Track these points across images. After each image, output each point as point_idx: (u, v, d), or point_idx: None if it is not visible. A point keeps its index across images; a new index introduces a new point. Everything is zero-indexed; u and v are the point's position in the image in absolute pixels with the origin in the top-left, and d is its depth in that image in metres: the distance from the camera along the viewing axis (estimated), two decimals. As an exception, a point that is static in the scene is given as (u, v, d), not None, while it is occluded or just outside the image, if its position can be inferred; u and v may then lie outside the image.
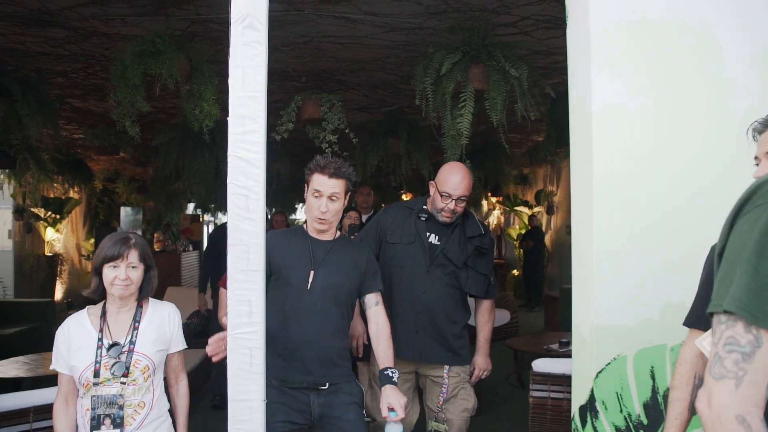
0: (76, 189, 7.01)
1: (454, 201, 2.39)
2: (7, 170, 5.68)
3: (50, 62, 3.82)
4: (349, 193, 2.15)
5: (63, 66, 3.90)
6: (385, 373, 2.06)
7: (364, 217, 4.32)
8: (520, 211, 9.77)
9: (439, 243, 2.47)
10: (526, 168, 9.53)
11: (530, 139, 6.73)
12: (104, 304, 1.92)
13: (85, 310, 1.93)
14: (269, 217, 5.62)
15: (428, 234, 2.48)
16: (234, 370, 1.66)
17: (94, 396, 1.81)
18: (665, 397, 1.83)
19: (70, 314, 1.96)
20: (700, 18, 1.89)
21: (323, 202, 2.06)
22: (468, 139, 3.15)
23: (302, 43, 3.62)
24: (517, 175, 9.58)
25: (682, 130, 1.88)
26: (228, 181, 1.69)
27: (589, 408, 1.86)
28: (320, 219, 2.08)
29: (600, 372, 1.82)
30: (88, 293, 1.91)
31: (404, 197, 12.22)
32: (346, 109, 4.16)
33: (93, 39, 3.49)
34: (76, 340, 1.86)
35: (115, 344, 1.86)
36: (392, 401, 1.96)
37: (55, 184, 6.60)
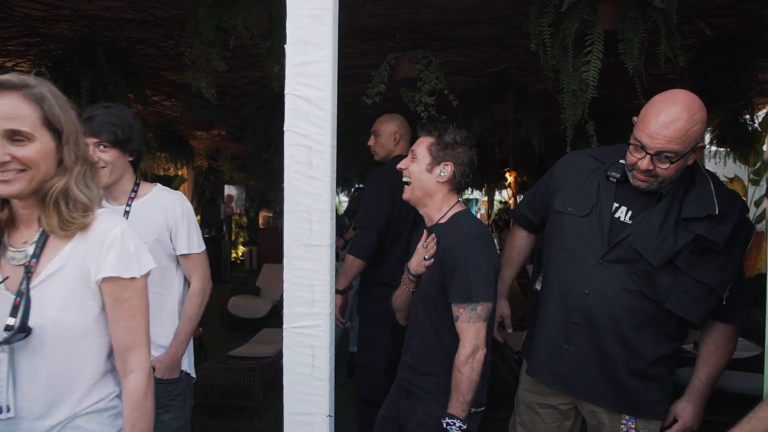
0: (179, 166, 7.13)
1: (649, 156, 1.49)
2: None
3: (137, 29, 3.69)
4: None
5: (150, 32, 3.75)
6: (441, 421, 1.60)
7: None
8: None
9: (630, 221, 1.60)
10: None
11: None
12: None
13: None
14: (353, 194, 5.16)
15: (616, 204, 1.63)
16: (291, 375, 1.29)
17: None
18: None
19: None
20: None
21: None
22: (596, 92, 2.55)
23: (396, -9, 3.18)
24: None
25: None
26: (285, 127, 1.30)
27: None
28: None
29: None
30: None
31: (507, 176, 11.46)
32: (445, 73, 3.69)
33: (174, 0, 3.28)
34: None
35: None
36: None
37: (159, 161, 6.74)
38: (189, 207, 1.99)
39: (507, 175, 11.10)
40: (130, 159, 1.91)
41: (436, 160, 1.72)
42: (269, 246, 10.20)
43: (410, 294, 1.81)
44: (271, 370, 3.76)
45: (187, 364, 2.01)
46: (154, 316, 1.89)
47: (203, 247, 2.03)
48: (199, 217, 10.16)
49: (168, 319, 1.95)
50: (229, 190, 11.13)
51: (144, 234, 1.84)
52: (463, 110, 4.35)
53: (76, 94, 3.42)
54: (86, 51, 3.37)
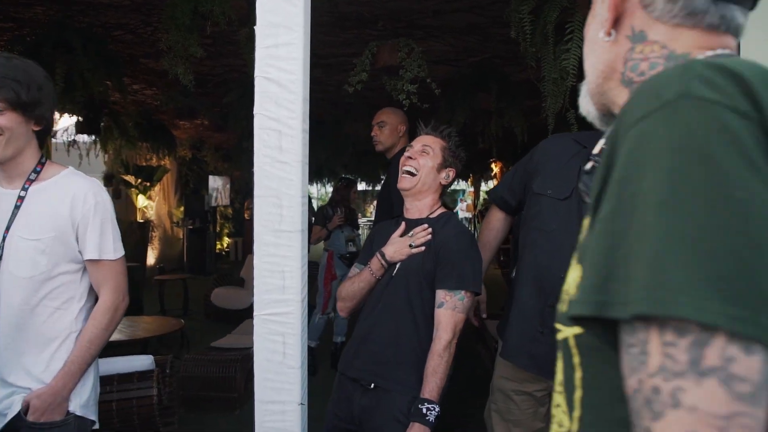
0: (161, 156, 7.03)
1: None
2: (94, 137, 5.73)
3: (113, 14, 3.61)
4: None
5: (126, 18, 3.68)
6: (419, 406, 1.57)
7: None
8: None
9: None
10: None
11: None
12: None
13: None
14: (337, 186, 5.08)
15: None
16: (261, 361, 1.27)
17: None
18: None
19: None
20: None
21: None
22: (576, 80, 2.55)
23: (377, -23, 3.15)
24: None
25: None
26: (255, 111, 1.27)
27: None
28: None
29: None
30: None
31: (493, 167, 11.47)
32: (427, 62, 3.67)
33: (151, -17, 3.22)
34: None
35: None
36: None
37: (141, 152, 6.64)
38: (106, 199, 1.55)
39: (492, 165, 11.11)
40: (36, 129, 1.48)
41: (445, 163, 1.79)
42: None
43: (375, 282, 1.78)
44: (253, 360, 3.74)
45: (80, 404, 1.50)
46: (43, 338, 1.47)
47: (120, 253, 1.56)
48: (182, 207, 10.06)
49: (62, 343, 1.50)
50: (214, 180, 11.02)
51: (39, 229, 1.45)
52: (445, 99, 4.33)
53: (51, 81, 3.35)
54: (61, 37, 3.29)
